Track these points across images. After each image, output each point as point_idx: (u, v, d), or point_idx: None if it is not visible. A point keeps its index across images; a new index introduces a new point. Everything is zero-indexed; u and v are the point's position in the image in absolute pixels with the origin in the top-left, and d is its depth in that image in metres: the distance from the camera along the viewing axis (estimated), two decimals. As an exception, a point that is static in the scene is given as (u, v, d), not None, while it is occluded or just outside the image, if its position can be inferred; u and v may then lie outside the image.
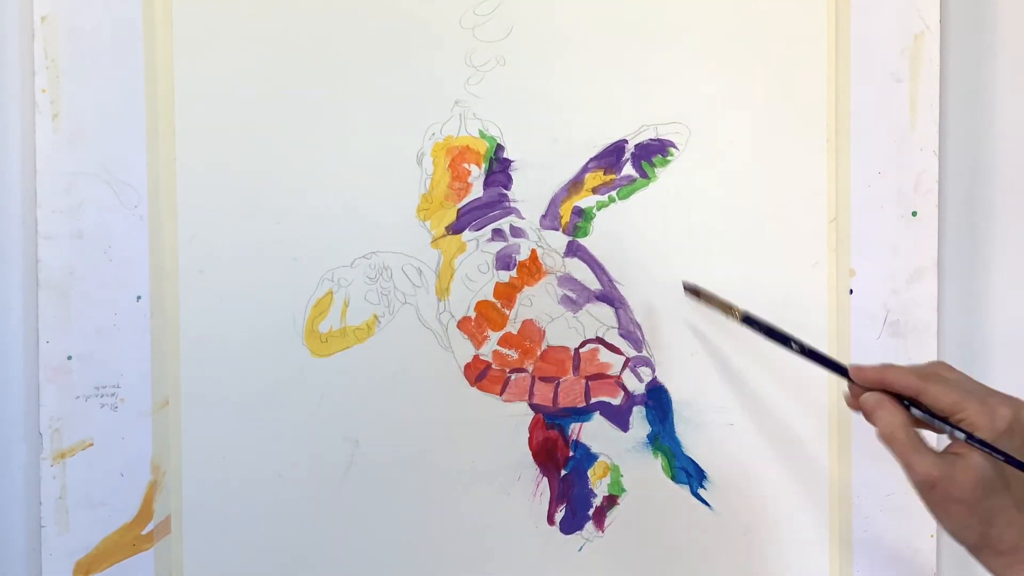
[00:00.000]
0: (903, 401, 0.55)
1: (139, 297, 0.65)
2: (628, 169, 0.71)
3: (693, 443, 0.72)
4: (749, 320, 0.65)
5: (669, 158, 0.71)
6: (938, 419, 0.53)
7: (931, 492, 0.52)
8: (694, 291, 0.68)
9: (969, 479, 0.52)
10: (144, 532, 0.66)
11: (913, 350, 0.74)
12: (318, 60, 0.67)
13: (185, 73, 0.65)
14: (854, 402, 0.58)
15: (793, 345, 0.63)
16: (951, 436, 0.53)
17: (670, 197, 0.71)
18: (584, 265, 0.71)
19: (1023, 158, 0.76)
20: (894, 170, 0.73)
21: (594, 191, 0.71)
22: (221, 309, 0.66)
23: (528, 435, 0.70)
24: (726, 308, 0.66)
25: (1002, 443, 0.52)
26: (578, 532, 0.71)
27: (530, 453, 0.70)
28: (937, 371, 0.56)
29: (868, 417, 0.55)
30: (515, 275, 0.70)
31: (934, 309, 0.74)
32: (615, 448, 0.71)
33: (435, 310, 0.69)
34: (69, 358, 0.64)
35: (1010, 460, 0.52)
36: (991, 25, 0.76)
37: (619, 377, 0.71)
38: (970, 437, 0.52)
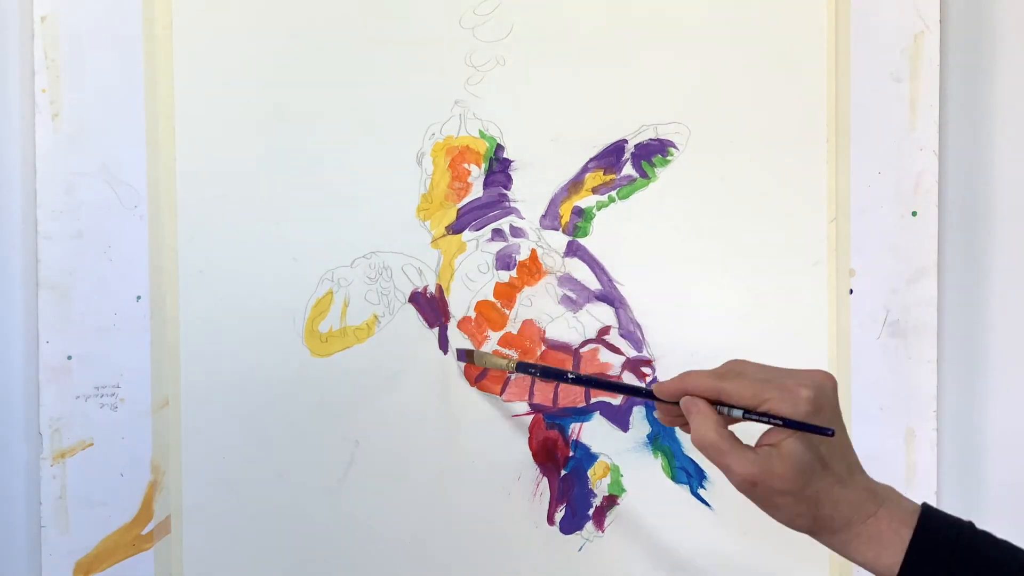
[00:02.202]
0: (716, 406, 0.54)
1: (139, 297, 0.65)
2: (628, 169, 0.71)
3: (693, 443, 0.72)
4: (523, 367, 0.65)
5: (669, 158, 0.71)
6: (745, 412, 0.52)
7: (754, 490, 0.52)
8: (466, 355, 0.68)
9: (788, 469, 0.51)
10: (144, 532, 0.66)
11: (913, 350, 0.74)
12: (318, 60, 0.67)
13: (185, 73, 0.65)
14: (667, 418, 0.57)
15: (569, 376, 0.63)
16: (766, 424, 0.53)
17: (670, 197, 0.71)
18: (584, 265, 0.71)
19: (1023, 158, 0.76)
20: (894, 170, 0.73)
21: (594, 191, 0.71)
22: (221, 309, 0.66)
23: (528, 435, 0.70)
24: (500, 362, 0.66)
25: (811, 421, 0.51)
26: (578, 532, 0.71)
27: (530, 453, 0.70)
28: (733, 368, 0.54)
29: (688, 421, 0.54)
30: (515, 275, 0.70)
31: (934, 309, 0.74)
32: (615, 448, 0.71)
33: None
34: (69, 358, 0.64)
35: (817, 429, 0.51)
36: (991, 25, 0.76)
37: (619, 377, 0.71)
38: (774, 420, 0.51)
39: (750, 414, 0.52)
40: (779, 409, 0.51)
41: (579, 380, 0.65)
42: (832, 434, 0.51)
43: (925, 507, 0.53)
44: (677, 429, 0.71)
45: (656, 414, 0.59)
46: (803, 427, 0.51)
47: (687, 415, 0.54)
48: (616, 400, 0.71)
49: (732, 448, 0.52)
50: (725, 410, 0.53)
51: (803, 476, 0.51)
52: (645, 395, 0.58)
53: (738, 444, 0.52)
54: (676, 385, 0.55)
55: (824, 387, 0.53)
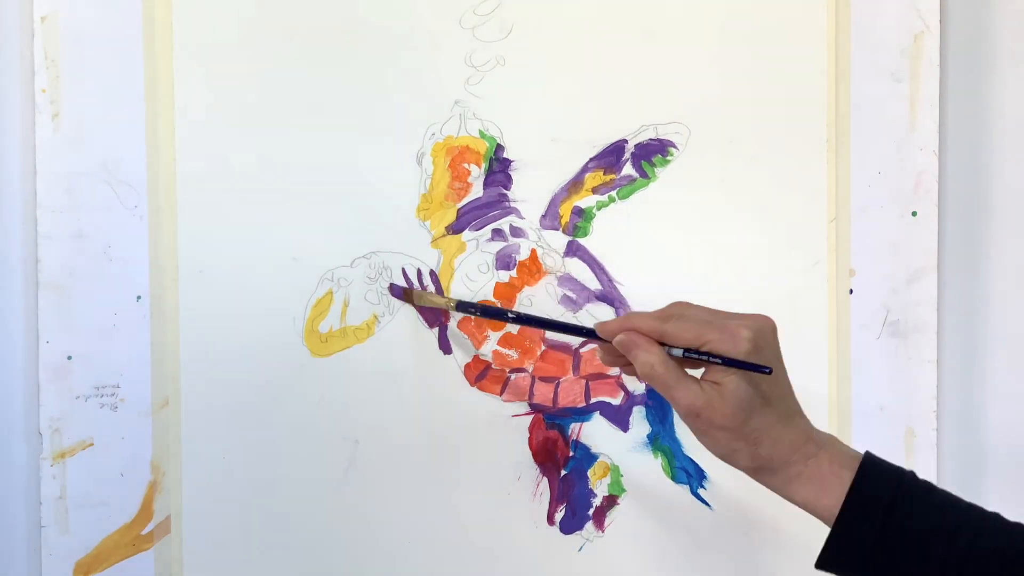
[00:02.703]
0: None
1: (139, 297, 0.65)
2: (628, 169, 0.71)
3: (693, 443, 0.71)
4: (462, 306, 0.66)
5: (669, 158, 0.71)
6: (685, 351, 0.53)
7: (697, 420, 0.53)
8: (402, 292, 0.68)
9: (729, 405, 0.52)
10: (144, 532, 0.66)
11: (913, 350, 0.74)
12: (318, 60, 0.67)
13: (185, 73, 0.65)
14: (608, 358, 0.58)
15: (509, 315, 0.64)
16: (705, 365, 0.53)
17: (670, 197, 0.71)
18: (584, 265, 0.71)
19: (1023, 158, 0.76)
20: (894, 170, 0.73)
21: (594, 191, 0.71)
22: (221, 309, 0.66)
23: (528, 435, 0.70)
24: (440, 301, 0.67)
25: (751, 360, 0.52)
26: (578, 532, 0.71)
27: (530, 453, 0.70)
28: (676, 311, 0.55)
29: (629, 358, 0.55)
30: (515, 275, 0.70)
31: (934, 309, 0.74)
32: (615, 448, 0.71)
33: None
34: (69, 358, 0.64)
35: (755, 367, 0.52)
36: (991, 25, 0.76)
37: (619, 377, 0.71)
38: (714, 358, 0.52)
39: (690, 352, 0.53)
40: (719, 349, 0.52)
41: (519, 319, 0.65)
42: (770, 372, 0.52)
43: (867, 454, 0.54)
44: (677, 429, 0.71)
45: (598, 355, 0.60)
46: (742, 365, 0.52)
47: (628, 351, 0.54)
48: (616, 400, 0.71)
49: (678, 379, 0.53)
50: (666, 350, 0.54)
51: (743, 413, 0.52)
52: (587, 334, 0.58)
53: (684, 375, 0.53)
54: (619, 325, 0.56)
55: (764, 329, 0.54)
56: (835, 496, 0.52)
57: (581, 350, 0.71)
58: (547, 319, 0.65)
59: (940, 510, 0.52)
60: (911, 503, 0.52)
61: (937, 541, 0.50)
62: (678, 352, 0.54)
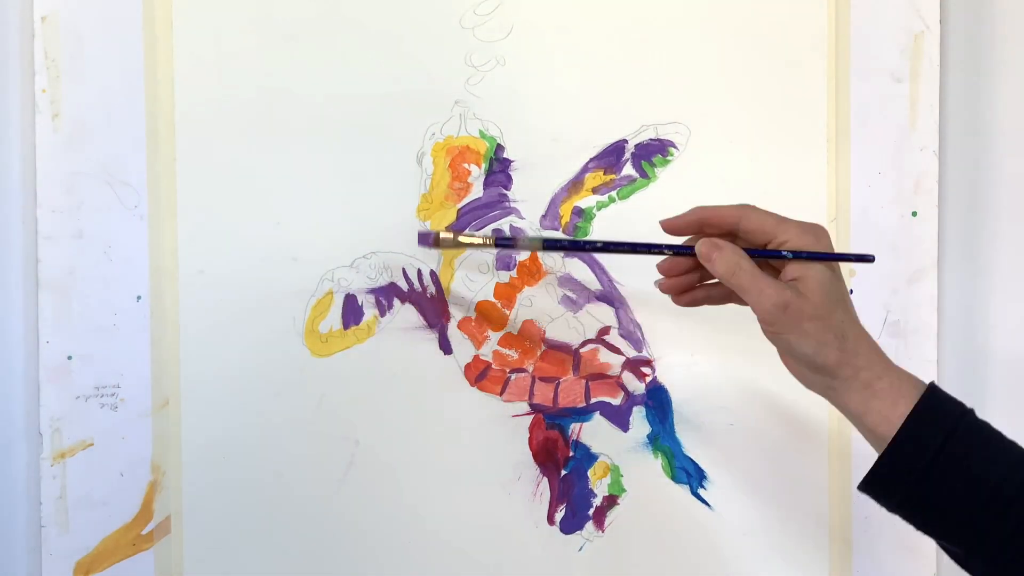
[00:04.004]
0: None
1: (139, 297, 0.65)
2: (628, 169, 0.71)
3: (693, 443, 0.72)
4: (502, 243, 0.63)
5: (669, 158, 0.71)
6: (769, 252, 0.54)
7: (785, 315, 0.52)
8: (433, 240, 0.64)
9: (817, 292, 0.52)
10: (144, 532, 0.66)
11: (913, 350, 0.74)
12: (318, 60, 0.67)
13: (185, 73, 0.65)
14: (670, 282, 0.58)
15: (599, 244, 0.61)
16: (776, 264, 0.54)
17: (670, 197, 0.71)
18: (584, 265, 0.71)
19: (1023, 158, 0.76)
20: (894, 170, 0.73)
21: (594, 191, 0.71)
22: (221, 309, 0.66)
23: (528, 435, 0.70)
24: (476, 240, 0.64)
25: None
26: (578, 532, 0.71)
27: (530, 453, 0.70)
28: (748, 205, 0.56)
29: (707, 263, 0.55)
30: (515, 275, 0.70)
31: (934, 309, 0.74)
32: (615, 448, 0.71)
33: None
34: (69, 358, 0.64)
35: (859, 257, 0.54)
36: (991, 25, 0.76)
37: (619, 377, 0.71)
38: (805, 253, 0.53)
39: (797, 253, 0.53)
40: (802, 241, 0.53)
41: (585, 245, 0.63)
42: (873, 259, 0.54)
43: (932, 383, 0.53)
44: (677, 429, 0.71)
45: (658, 283, 0.59)
46: (845, 257, 0.54)
47: (710, 254, 0.54)
48: (616, 400, 0.71)
49: (763, 277, 0.53)
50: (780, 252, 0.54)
51: (831, 302, 0.52)
52: (656, 250, 0.57)
53: (766, 275, 0.53)
54: (693, 216, 0.56)
55: (825, 231, 0.55)
56: (909, 406, 0.51)
57: (581, 350, 0.71)
58: (610, 243, 0.60)
59: (1001, 447, 0.51)
60: (972, 433, 0.51)
61: (990, 477, 0.49)
62: (786, 255, 0.54)
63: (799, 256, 0.53)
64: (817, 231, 0.54)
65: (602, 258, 0.71)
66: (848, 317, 0.53)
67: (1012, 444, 0.51)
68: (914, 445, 0.50)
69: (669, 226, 0.57)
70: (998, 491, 0.49)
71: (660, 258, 0.58)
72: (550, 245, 0.61)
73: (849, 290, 0.73)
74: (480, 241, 0.63)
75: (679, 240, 0.57)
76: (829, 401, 0.54)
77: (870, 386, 0.52)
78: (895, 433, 0.50)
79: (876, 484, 0.52)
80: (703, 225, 0.56)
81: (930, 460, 0.50)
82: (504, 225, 0.70)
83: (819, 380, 0.54)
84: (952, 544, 0.51)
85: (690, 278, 0.58)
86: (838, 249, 0.73)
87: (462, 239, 0.64)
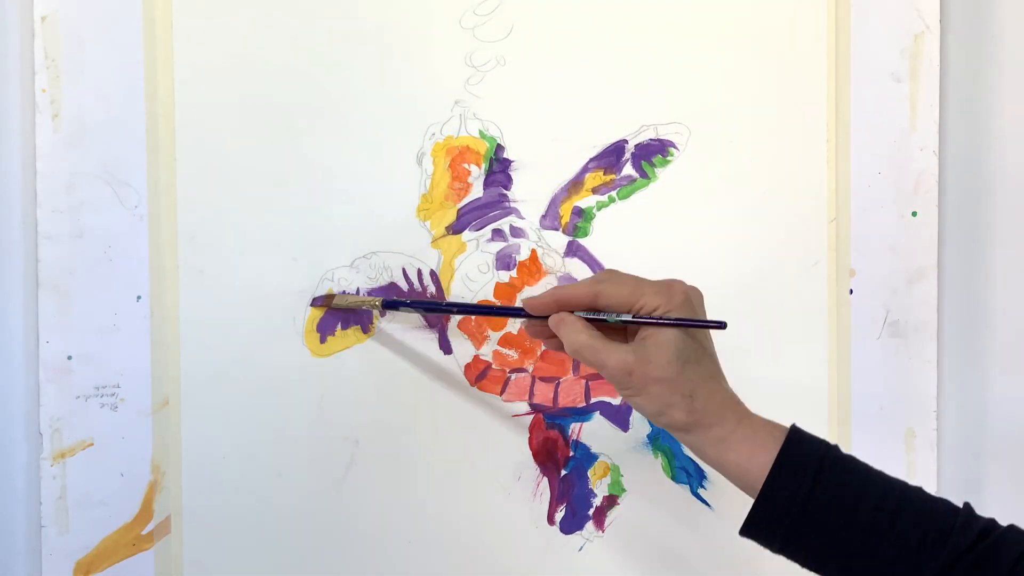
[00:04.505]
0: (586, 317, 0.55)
1: (139, 297, 0.65)
2: (628, 169, 0.71)
3: (693, 443, 0.72)
4: (389, 305, 0.65)
5: (669, 158, 0.71)
6: (616, 316, 0.54)
7: (630, 379, 0.53)
8: (324, 300, 0.67)
9: (663, 354, 0.52)
10: (144, 532, 0.66)
11: (913, 350, 0.74)
12: (318, 60, 0.67)
13: (185, 73, 0.65)
14: (535, 330, 0.59)
15: (442, 306, 0.64)
16: (637, 327, 0.54)
17: (670, 197, 0.71)
18: (584, 265, 0.71)
19: (1023, 158, 0.76)
20: (894, 170, 0.73)
21: (594, 191, 0.71)
22: (221, 309, 0.66)
23: (528, 435, 0.70)
24: (366, 300, 0.66)
25: (685, 315, 0.53)
26: (578, 532, 0.71)
27: (530, 453, 0.70)
28: (607, 276, 0.56)
29: (559, 336, 0.55)
30: (515, 275, 0.70)
31: (934, 309, 0.74)
32: (615, 448, 0.71)
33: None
34: (69, 358, 0.64)
35: (709, 324, 0.53)
36: (991, 25, 0.76)
37: (619, 377, 0.71)
38: (650, 318, 0.53)
39: (639, 317, 0.53)
40: (654, 303, 0.53)
41: (450, 308, 0.65)
42: (724, 326, 0.53)
43: (794, 425, 0.54)
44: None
45: (526, 329, 0.61)
46: (695, 323, 0.53)
47: (557, 329, 0.55)
48: (616, 400, 0.71)
49: (605, 345, 0.53)
50: (613, 316, 0.55)
51: (678, 362, 0.52)
52: (515, 313, 0.59)
53: (610, 341, 0.54)
54: (550, 297, 0.57)
55: (692, 290, 0.55)
56: (769, 455, 0.52)
57: (581, 350, 0.71)
58: (476, 305, 0.65)
59: (867, 480, 0.52)
60: (840, 470, 0.52)
61: (862, 510, 0.50)
62: (626, 317, 0.54)
63: (642, 322, 0.53)
64: (672, 290, 0.54)
65: (602, 258, 0.71)
66: (699, 374, 0.53)
67: (878, 475, 0.52)
68: (783, 494, 0.51)
69: (531, 307, 0.57)
70: (872, 524, 0.50)
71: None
72: (391, 306, 0.65)
73: (849, 291, 0.73)
74: (370, 302, 0.66)
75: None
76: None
77: (724, 440, 0.53)
78: (761, 485, 0.51)
79: (753, 531, 0.53)
80: (561, 306, 0.56)
81: (801, 506, 0.51)
82: (504, 225, 0.70)
83: (673, 434, 0.55)
84: None
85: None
86: (838, 249, 0.73)
87: (339, 302, 0.66)
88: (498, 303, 0.69)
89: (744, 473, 0.53)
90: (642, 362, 0.52)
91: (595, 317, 0.55)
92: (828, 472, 0.51)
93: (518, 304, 0.59)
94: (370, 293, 0.68)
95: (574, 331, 0.54)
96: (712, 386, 0.53)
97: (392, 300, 0.66)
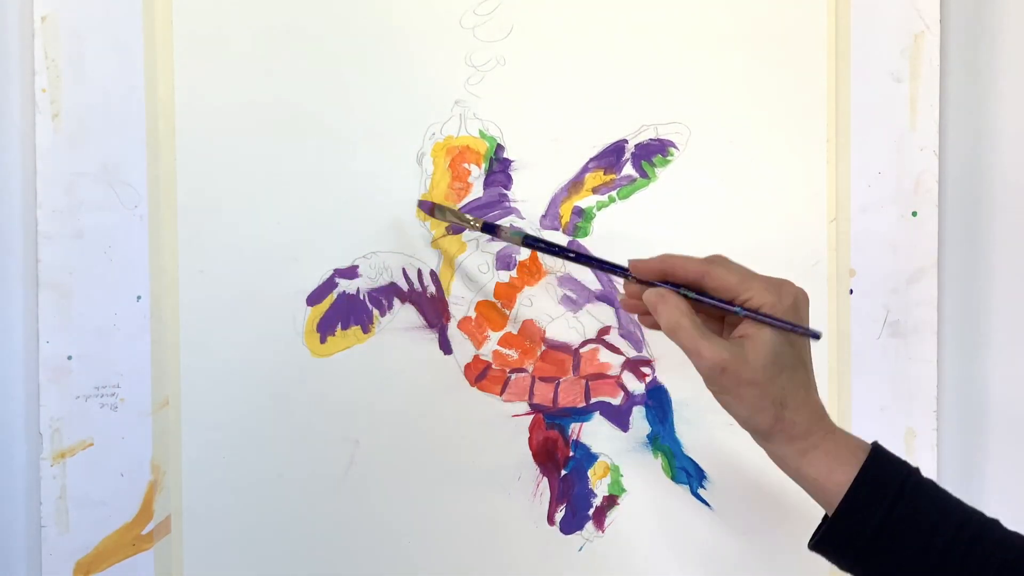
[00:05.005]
0: (687, 296, 0.54)
1: (139, 297, 0.65)
2: (628, 169, 0.71)
3: (693, 443, 0.72)
4: (488, 228, 0.64)
5: (669, 158, 0.71)
6: (723, 303, 0.52)
7: (722, 377, 0.51)
8: (430, 210, 0.66)
9: (760, 357, 0.51)
10: (144, 532, 0.66)
11: (913, 350, 0.74)
12: (318, 60, 0.67)
13: (185, 73, 0.65)
14: (632, 303, 0.56)
15: (546, 245, 0.60)
16: (739, 318, 0.53)
17: (670, 197, 0.71)
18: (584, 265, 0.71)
19: (1023, 158, 0.76)
20: (894, 170, 0.73)
21: (594, 191, 0.71)
22: (221, 309, 0.66)
23: (528, 435, 0.70)
24: (465, 221, 0.65)
25: (791, 319, 0.52)
26: (578, 532, 0.71)
27: (530, 453, 0.70)
28: (719, 260, 0.54)
29: (653, 313, 0.54)
30: (515, 275, 0.70)
31: (934, 309, 0.74)
32: (615, 448, 0.71)
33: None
34: (69, 358, 0.64)
35: (798, 328, 0.51)
36: (991, 25, 0.76)
37: (619, 377, 0.71)
38: (756, 314, 0.51)
39: (746, 311, 0.52)
40: (762, 300, 0.52)
41: (548, 246, 0.61)
42: (819, 337, 0.52)
43: (876, 443, 0.53)
44: (677, 429, 0.71)
45: (621, 299, 0.58)
46: (791, 327, 0.51)
47: (654, 305, 0.53)
48: (616, 400, 0.71)
49: (704, 334, 0.52)
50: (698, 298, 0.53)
51: (774, 368, 0.51)
52: (618, 271, 0.57)
53: (709, 332, 0.52)
54: (658, 264, 0.55)
55: (801, 293, 0.53)
56: (848, 473, 0.51)
57: (581, 350, 0.71)
58: (581, 254, 0.61)
59: (944, 507, 0.51)
60: (919, 495, 0.51)
61: (938, 538, 0.50)
62: (715, 303, 0.52)
63: (748, 315, 0.52)
64: (782, 289, 0.52)
65: (602, 258, 0.71)
66: (793, 383, 0.52)
67: (957, 503, 0.52)
68: (859, 512, 0.50)
69: (636, 268, 0.55)
70: (947, 553, 0.49)
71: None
72: (529, 243, 0.61)
73: (849, 290, 0.73)
74: (470, 222, 0.64)
75: None
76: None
77: (805, 454, 0.52)
78: (839, 502, 0.51)
79: (824, 546, 0.52)
80: (667, 275, 0.55)
81: (877, 526, 0.50)
82: (504, 225, 0.70)
83: (754, 437, 0.54)
84: None
85: None
86: (838, 249, 0.73)
87: (449, 215, 0.65)
88: (498, 303, 0.70)
89: (822, 489, 0.52)
90: (738, 361, 0.51)
91: (696, 297, 0.53)
92: (907, 496, 0.50)
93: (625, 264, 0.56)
94: (370, 293, 0.68)
95: (676, 311, 0.52)
96: (804, 396, 0.52)
97: (492, 224, 0.64)
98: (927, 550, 0.50)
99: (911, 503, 0.50)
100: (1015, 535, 0.51)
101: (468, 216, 0.66)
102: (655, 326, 0.54)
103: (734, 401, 0.52)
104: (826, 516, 0.53)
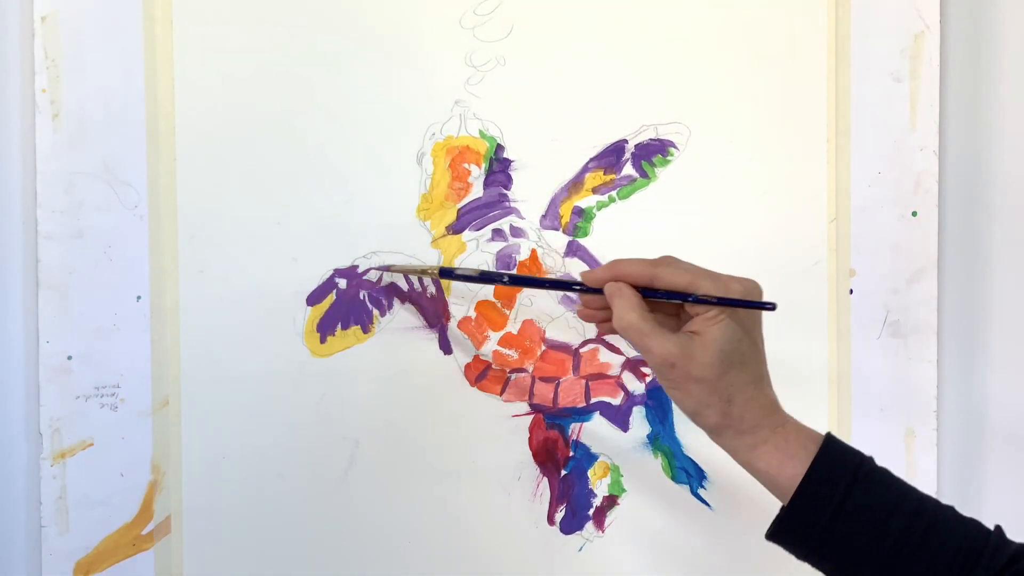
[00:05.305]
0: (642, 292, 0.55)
1: (139, 297, 0.65)
2: (628, 169, 0.71)
3: (693, 443, 0.72)
4: (445, 273, 0.65)
5: (669, 158, 0.71)
6: (675, 295, 0.53)
7: (671, 372, 0.52)
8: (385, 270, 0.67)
9: (708, 354, 0.52)
10: (144, 532, 0.66)
11: (913, 350, 0.74)
12: (318, 60, 0.67)
13: (185, 73, 0.65)
14: (588, 312, 0.58)
15: (505, 279, 0.62)
16: (689, 312, 0.54)
17: (670, 197, 0.71)
18: (584, 265, 0.71)
19: (1023, 158, 0.76)
20: (894, 170, 0.73)
21: (594, 191, 0.71)
22: (221, 309, 0.66)
23: (528, 435, 0.70)
24: (423, 272, 0.66)
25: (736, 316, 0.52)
26: (578, 532, 0.71)
27: (530, 453, 0.70)
28: (667, 260, 0.55)
29: (612, 305, 0.54)
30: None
31: (934, 309, 0.74)
32: (615, 448, 0.71)
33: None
34: (69, 358, 0.64)
35: (758, 305, 0.52)
36: (991, 25, 0.76)
37: (619, 377, 0.71)
38: (708, 299, 0.52)
39: (697, 298, 0.53)
40: (711, 290, 0.52)
41: (513, 280, 0.63)
42: (774, 308, 0.52)
43: (829, 434, 0.54)
44: (677, 429, 0.71)
45: (578, 309, 0.60)
46: (742, 304, 0.52)
47: (611, 299, 0.54)
48: (616, 400, 0.71)
49: (653, 330, 0.52)
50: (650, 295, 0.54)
51: (721, 365, 0.52)
52: (571, 287, 0.58)
53: (660, 328, 0.53)
54: (606, 271, 0.56)
55: (752, 286, 0.54)
56: (799, 466, 0.51)
57: (581, 350, 0.71)
58: (531, 278, 0.63)
59: (898, 495, 0.52)
60: (871, 485, 0.51)
61: (893, 526, 0.50)
62: (667, 297, 0.53)
63: (701, 301, 0.53)
64: (731, 282, 0.53)
65: (602, 258, 0.71)
66: (741, 379, 0.52)
67: (910, 490, 0.52)
68: (812, 504, 0.51)
69: (587, 278, 0.56)
70: (902, 540, 0.50)
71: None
72: (445, 274, 0.64)
73: (849, 290, 0.73)
74: (427, 269, 0.66)
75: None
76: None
77: (755, 448, 0.53)
78: (792, 493, 0.51)
79: (780, 536, 0.52)
80: (617, 280, 0.55)
81: (831, 517, 0.50)
82: (504, 225, 0.70)
83: (706, 432, 0.54)
84: None
85: (607, 312, 0.57)
86: (838, 249, 0.73)
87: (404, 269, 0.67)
88: (498, 303, 0.70)
89: (774, 481, 0.52)
90: (685, 357, 0.52)
91: (651, 292, 0.54)
92: (860, 485, 0.51)
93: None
94: (370, 293, 0.68)
95: (628, 307, 0.53)
96: (752, 392, 0.53)
97: (448, 268, 0.65)
98: (881, 538, 0.50)
99: (864, 493, 0.51)
100: (970, 521, 0.52)
101: (425, 266, 0.67)
102: (613, 331, 0.55)
103: (683, 396, 0.53)
104: (784, 507, 0.53)
